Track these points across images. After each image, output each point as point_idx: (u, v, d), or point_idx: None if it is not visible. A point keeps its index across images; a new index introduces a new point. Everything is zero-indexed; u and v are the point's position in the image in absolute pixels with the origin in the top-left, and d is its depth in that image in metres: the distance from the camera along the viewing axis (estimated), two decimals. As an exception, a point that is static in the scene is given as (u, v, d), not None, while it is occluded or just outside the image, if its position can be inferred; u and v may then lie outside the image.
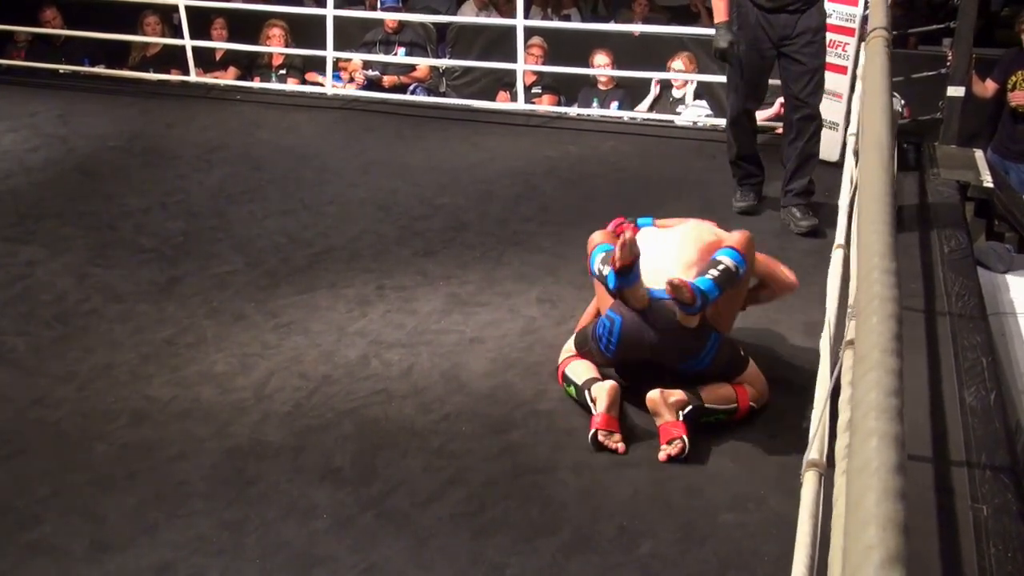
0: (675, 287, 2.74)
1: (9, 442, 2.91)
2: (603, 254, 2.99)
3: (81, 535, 2.50)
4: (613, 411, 2.86)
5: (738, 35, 4.30)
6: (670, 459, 2.76)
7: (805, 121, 4.40)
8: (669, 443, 2.77)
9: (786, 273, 3.26)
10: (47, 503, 2.63)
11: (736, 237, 3.02)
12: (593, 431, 2.83)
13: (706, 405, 2.87)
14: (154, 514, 2.58)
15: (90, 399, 3.13)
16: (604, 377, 3.00)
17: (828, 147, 5.28)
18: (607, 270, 2.89)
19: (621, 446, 2.82)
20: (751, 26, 4.32)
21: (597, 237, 3.12)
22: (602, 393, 2.87)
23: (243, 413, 3.04)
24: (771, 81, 5.54)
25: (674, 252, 3.04)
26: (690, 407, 2.83)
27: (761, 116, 6.07)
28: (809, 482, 1.88)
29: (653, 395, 2.82)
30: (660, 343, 2.90)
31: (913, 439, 2.76)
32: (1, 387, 3.21)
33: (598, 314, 3.11)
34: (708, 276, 2.87)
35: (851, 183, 3.19)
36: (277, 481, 2.71)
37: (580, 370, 3.04)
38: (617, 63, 6.57)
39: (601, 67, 6.54)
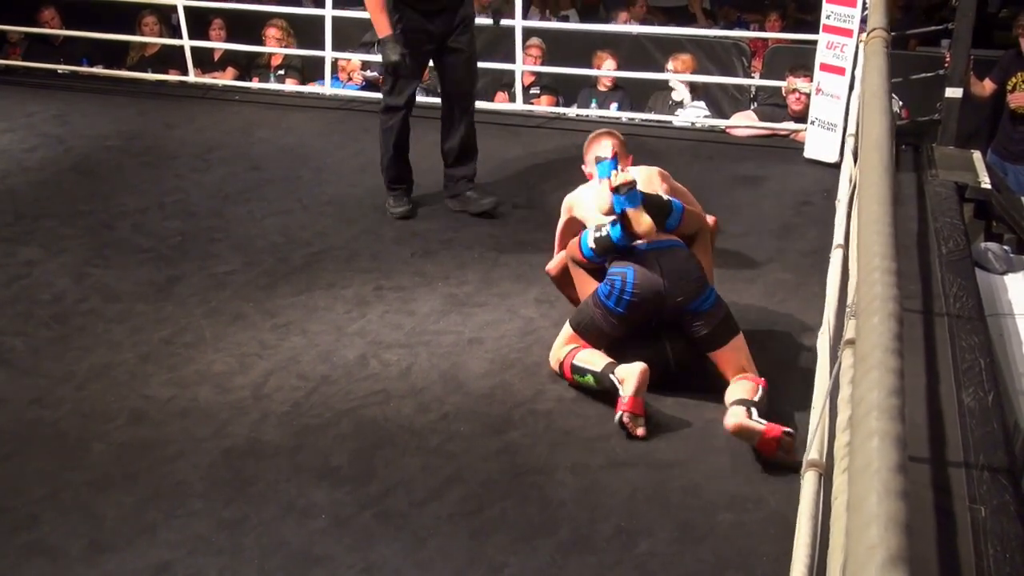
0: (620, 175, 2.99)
1: (7, 442, 2.91)
2: (593, 231, 3.13)
3: (79, 535, 2.50)
4: (641, 395, 2.83)
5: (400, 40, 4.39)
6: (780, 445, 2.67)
7: (467, 113, 4.72)
8: (782, 441, 2.66)
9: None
10: (45, 503, 2.62)
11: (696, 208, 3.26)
12: (620, 413, 2.81)
13: (755, 399, 2.80)
14: (152, 514, 2.57)
15: (88, 399, 3.13)
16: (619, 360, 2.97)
17: (826, 148, 5.29)
18: (606, 221, 3.05)
19: (642, 430, 2.82)
20: (413, 30, 4.45)
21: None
22: (632, 375, 2.83)
23: (241, 413, 3.03)
24: (757, 83, 5.56)
25: (647, 187, 3.19)
26: (755, 410, 2.74)
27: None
28: (808, 482, 1.89)
29: (734, 420, 2.68)
30: (669, 282, 2.96)
31: (911, 440, 2.75)
32: (-1, 387, 3.21)
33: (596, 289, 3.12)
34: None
35: (850, 183, 3.19)
36: (275, 481, 2.71)
37: (592, 358, 3.02)
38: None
39: (607, 71, 6.54)
